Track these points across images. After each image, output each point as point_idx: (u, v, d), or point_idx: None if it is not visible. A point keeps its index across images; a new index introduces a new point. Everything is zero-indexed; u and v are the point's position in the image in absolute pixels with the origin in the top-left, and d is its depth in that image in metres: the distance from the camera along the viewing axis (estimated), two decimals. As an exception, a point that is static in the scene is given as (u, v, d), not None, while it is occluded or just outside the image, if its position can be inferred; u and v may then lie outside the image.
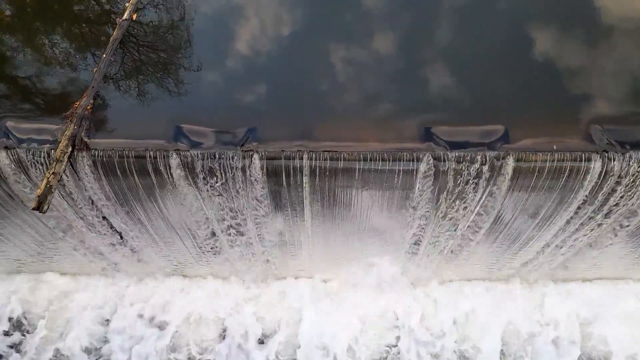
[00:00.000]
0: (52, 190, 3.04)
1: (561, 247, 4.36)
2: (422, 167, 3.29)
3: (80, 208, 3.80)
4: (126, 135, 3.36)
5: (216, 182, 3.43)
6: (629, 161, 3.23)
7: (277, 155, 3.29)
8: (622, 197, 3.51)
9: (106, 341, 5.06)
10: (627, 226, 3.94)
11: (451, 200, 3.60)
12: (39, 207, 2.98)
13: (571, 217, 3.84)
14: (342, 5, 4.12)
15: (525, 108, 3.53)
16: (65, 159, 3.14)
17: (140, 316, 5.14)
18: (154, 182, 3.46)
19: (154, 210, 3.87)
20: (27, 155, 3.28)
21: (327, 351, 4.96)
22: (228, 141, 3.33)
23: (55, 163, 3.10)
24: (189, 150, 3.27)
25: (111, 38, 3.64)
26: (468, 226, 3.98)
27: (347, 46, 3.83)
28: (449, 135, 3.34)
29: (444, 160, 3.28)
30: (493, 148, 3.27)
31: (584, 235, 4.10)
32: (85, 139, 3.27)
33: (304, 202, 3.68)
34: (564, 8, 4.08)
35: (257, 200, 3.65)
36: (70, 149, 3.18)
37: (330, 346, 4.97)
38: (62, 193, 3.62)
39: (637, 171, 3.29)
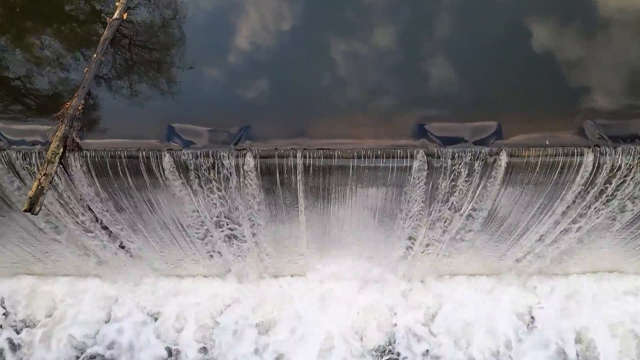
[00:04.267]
0: (44, 191, 3.01)
1: None
2: (416, 163, 3.29)
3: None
4: (118, 135, 3.33)
5: (210, 182, 3.41)
6: (620, 155, 3.25)
7: (271, 153, 3.28)
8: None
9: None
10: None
11: (445, 197, 3.61)
12: (30, 209, 2.95)
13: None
14: (333, 2, 4.11)
15: (518, 104, 3.54)
16: (57, 160, 3.11)
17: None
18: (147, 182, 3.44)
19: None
20: (18, 157, 3.24)
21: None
22: (221, 140, 3.31)
23: (46, 164, 3.07)
24: (181, 150, 3.25)
25: (102, 37, 3.60)
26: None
27: (340, 44, 3.82)
28: (442, 132, 3.34)
29: (438, 157, 3.28)
30: (486, 144, 3.28)
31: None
32: (77, 140, 3.24)
33: (299, 199, 3.67)
34: (556, 4, 4.09)
35: (251, 198, 3.64)
36: (61, 149, 3.15)
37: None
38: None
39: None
